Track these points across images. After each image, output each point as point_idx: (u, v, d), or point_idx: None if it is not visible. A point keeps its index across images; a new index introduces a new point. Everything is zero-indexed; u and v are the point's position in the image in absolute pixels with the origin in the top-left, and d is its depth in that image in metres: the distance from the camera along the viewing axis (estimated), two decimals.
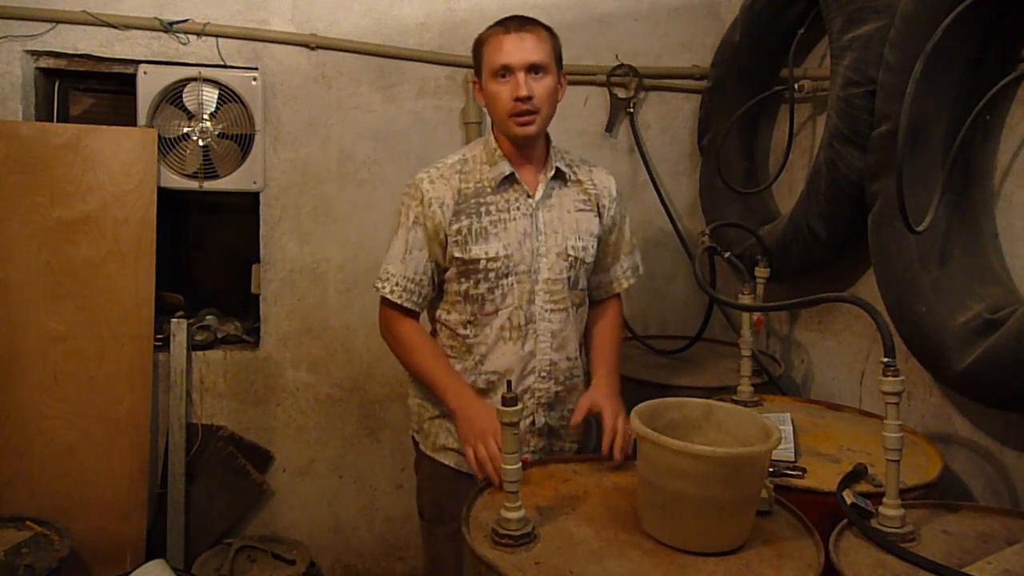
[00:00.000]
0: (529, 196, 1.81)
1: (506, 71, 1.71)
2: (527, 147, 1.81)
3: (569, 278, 1.83)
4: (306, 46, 2.75)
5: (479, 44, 1.78)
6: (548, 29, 1.78)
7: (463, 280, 1.79)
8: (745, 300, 2.26)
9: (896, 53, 1.87)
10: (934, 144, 1.79)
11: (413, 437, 1.98)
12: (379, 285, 1.82)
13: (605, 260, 1.95)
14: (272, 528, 2.90)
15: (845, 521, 1.43)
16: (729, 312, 2.73)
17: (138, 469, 2.63)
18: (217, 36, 2.68)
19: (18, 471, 2.54)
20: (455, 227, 1.76)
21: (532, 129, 1.74)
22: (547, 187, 1.82)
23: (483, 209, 1.77)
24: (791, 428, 1.88)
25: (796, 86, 2.46)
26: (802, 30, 2.45)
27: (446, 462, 1.87)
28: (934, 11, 1.70)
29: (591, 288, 1.96)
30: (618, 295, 2.01)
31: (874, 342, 2.26)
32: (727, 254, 2.34)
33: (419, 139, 2.86)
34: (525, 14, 1.83)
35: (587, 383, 1.90)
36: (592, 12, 2.89)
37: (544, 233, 1.80)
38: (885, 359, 1.33)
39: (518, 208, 1.79)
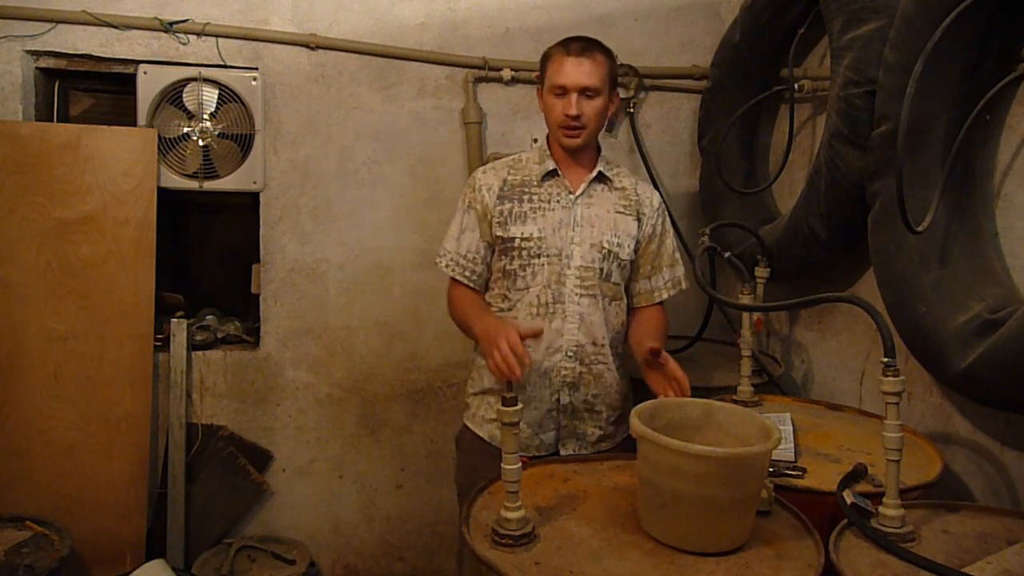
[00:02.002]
0: (571, 192, 1.96)
1: (563, 91, 1.88)
2: (576, 153, 1.97)
3: (602, 269, 1.94)
4: (306, 46, 2.75)
5: (545, 59, 1.94)
6: (606, 52, 1.93)
7: (502, 257, 1.97)
8: (745, 300, 2.26)
9: (896, 53, 1.87)
10: (934, 144, 1.79)
11: (466, 402, 2.11)
12: (438, 260, 2.03)
13: (645, 268, 2.04)
14: (272, 528, 2.90)
15: (845, 521, 1.43)
16: (729, 312, 2.73)
17: (138, 469, 2.63)
18: (217, 36, 2.68)
19: (18, 471, 2.54)
20: (499, 209, 1.95)
21: (578, 141, 1.92)
22: (589, 186, 1.97)
23: (526, 197, 1.96)
24: (791, 428, 1.89)
25: (796, 86, 2.46)
26: (802, 30, 2.46)
27: (481, 434, 2.00)
28: (934, 11, 1.70)
29: (632, 295, 2.05)
30: (660, 305, 2.07)
31: (874, 342, 2.26)
32: (727, 254, 2.34)
33: (419, 139, 2.86)
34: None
35: (614, 373, 1.98)
36: (592, 12, 2.89)
37: (581, 225, 1.95)
38: (885, 359, 1.33)
39: (558, 201, 1.96)
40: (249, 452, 2.82)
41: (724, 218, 2.63)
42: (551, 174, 1.97)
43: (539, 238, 1.92)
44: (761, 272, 2.39)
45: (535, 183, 1.97)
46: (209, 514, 2.78)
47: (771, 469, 1.60)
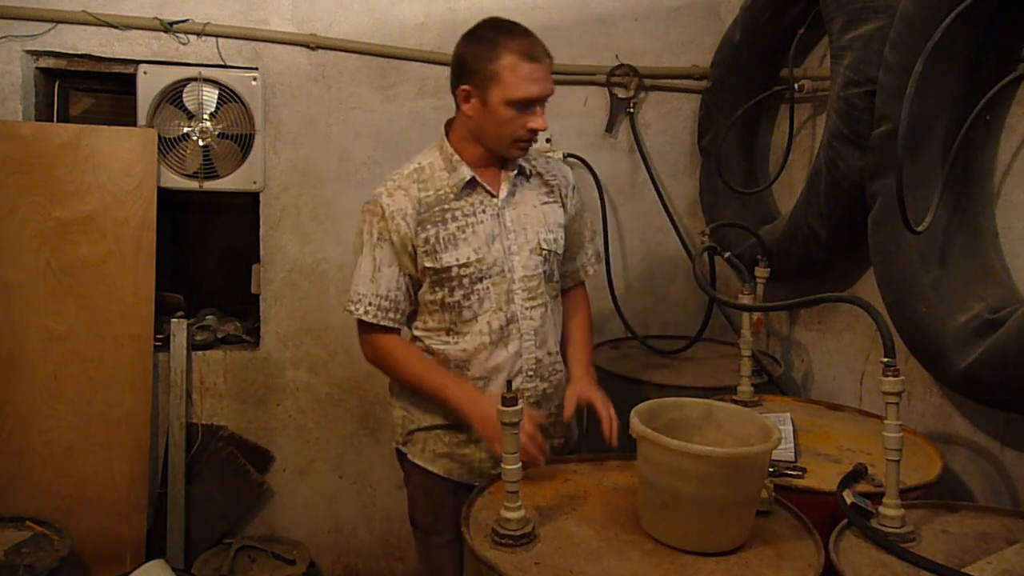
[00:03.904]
0: (493, 196, 1.78)
1: (528, 104, 1.67)
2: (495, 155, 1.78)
3: (544, 272, 1.80)
4: (306, 46, 2.75)
5: (488, 58, 1.65)
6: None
7: (437, 289, 1.75)
8: (745, 300, 2.26)
9: (896, 53, 1.87)
10: (934, 144, 1.79)
11: (398, 450, 1.93)
12: (351, 308, 1.76)
13: (570, 249, 1.93)
14: (272, 528, 2.90)
15: (845, 521, 1.43)
16: (729, 312, 2.73)
17: (138, 469, 2.63)
18: (217, 36, 2.68)
19: (18, 471, 2.54)
20: (422, 236, 1.72)
21: (527, 151, 1.77)
22: (511, 185, 1.79)
23: (448, 216, 1.73)
24: (791, 428, 1.89)
25: (796, 86, 2.46)
26: (802, 30, 2.46)
27: (437, 472, 1.84)
28: (934, 11, 1.70)
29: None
30: (583, 285, 2.01)
31: (874, 342, 2.26)
32: (727, 254, 2.34)
33: (419, 139, 2.85)
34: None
35: (564, 373, 1.89)
36: (592, 12, 2.89)
37: (513, 231, 1.77)
38: (885, 359, 1.33)
39: (483, 211, 1.76)
40: (249, 452, 2.82)
41: (724, 218, 2.63)
42: (469, 184, 1.75)
43: (478, 260, 1.72)
44: (761, 272, 2.39)
45: (452, 197, 1.74)
46: (209, 514, 2.78)
47: (771, 469, 1.60)
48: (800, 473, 1.67)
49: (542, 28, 2.85)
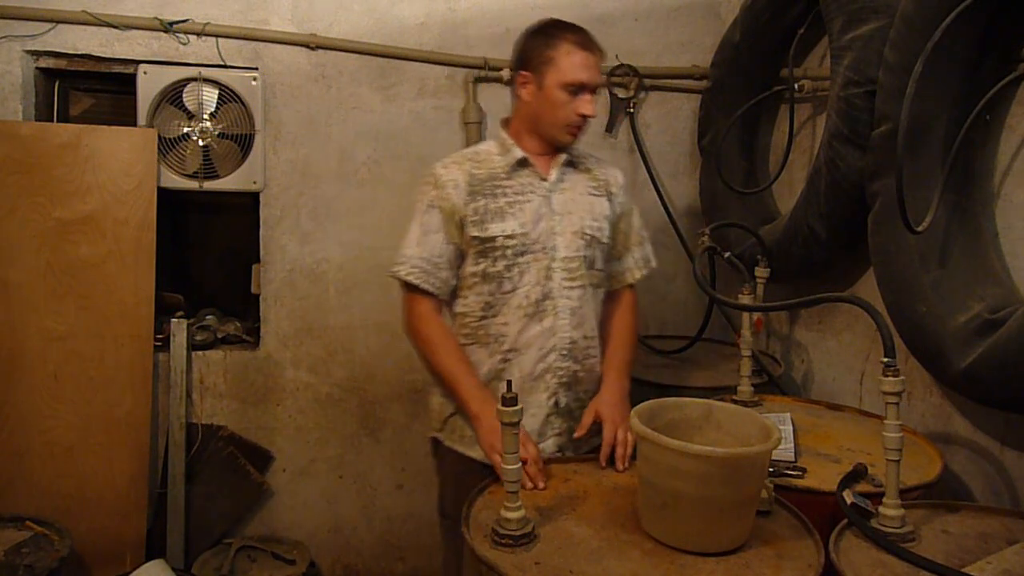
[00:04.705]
0: (543, 179, 1.86)
1: (579, 88, 1.78)
2: (549, 146, 1.87)
3: (586, 256, 1.86)
4: (306, 46, 2.75)
5: (547, 45, 1.79)
6: None
7: (480, 260, 1.82)
8: (745, 300, 2.26)
9: (896, 53, 1.87)
10: (934, 144, 1.79)
11: (434, 437, 1.95)
12: (395, 269, 1.84)
13: (617, 249, 1.97)
14: (272, 528, 2.90)
15: (845, 521, 1.43)
16: (729, 312, 2.73)
17: (138, 469, 2.63)
18: (217, 36, 2.68)
19: (18, 471, 2.54)
20: (471, 207, 1.81)
21: (578, 139, 1.87)
22: (560, 172, 1.88)
23: (499, 191, 1.82)
24: (791, 428, 1.89)
25: (796, 86, 2.46)
26: (802, 30, 2.46)
27: (473, 456, 1.84)
28: (934, 11, 1.70)
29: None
30: (632, 287, 2.02)
31: (874, 342, 2.26)
32: (727, 254, 2.34)
33: (419, 139, 2.86)
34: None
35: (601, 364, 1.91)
36: (592, 12, 2.89)
37: (559, 214, 1.85)
38: (885, 359, 1.33)
39: (532, 191, 1.84)
40: (249, 452, 2.82)
41: (724, 218, 2.62)
42: (521, 163, 1.85)
43: (522, 234, 1.80)
44: (761, 272, 2.39)
45: (503, 175, 1.84)
46: (209, 514, 2.78)
47: (771, 469, 1.60)
48: (800, 473, 1.67)
49: None
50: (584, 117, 1.81)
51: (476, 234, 1.80)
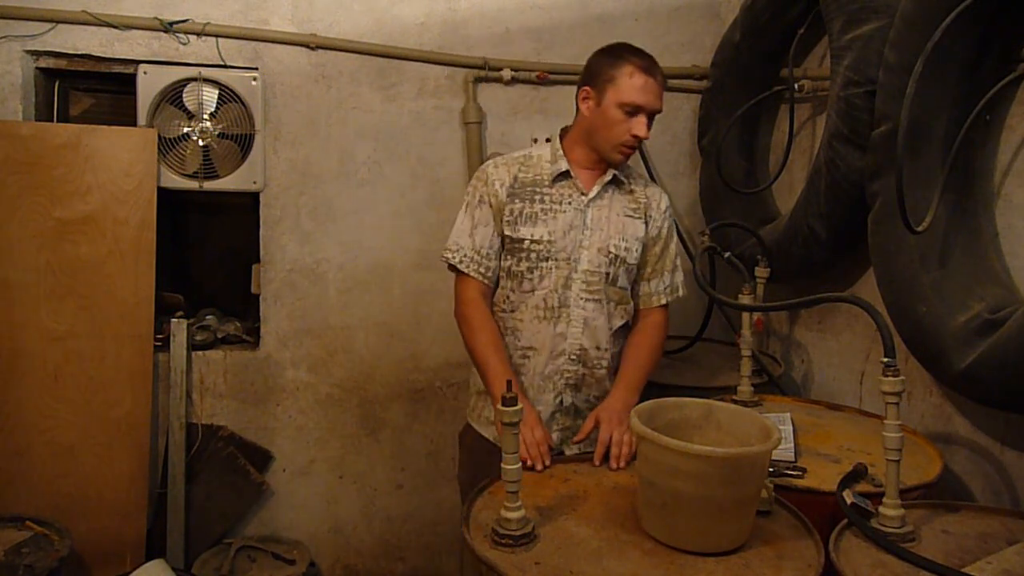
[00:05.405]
0: (583, 193, 1.93)
1: (636, 110, 1.83)
2: (600, 161, 1.93)
3: (608, 273, 1.92)
4: (306, 46, 2.75)
5: (607, 65, 1.85)
6: None
7: (508, 256, 1.94)
8: (745, 300, 2.26)
9: (896, 53, 1.87)
10: (934, 144, 1.79)
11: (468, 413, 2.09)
12: (449, 256, 1.95)
13: (646, 270, 2.01)
14: (272, 528, 2.90)
15: (845, 521, 1.43)
16: (729, 312, 2.73)
17: (138, 469, 2.63)
18: (217, 36, 2.68)
19: (18, 471, 2.54)
20: (509, 207, 1.91)
21: (628, 159, 1.93)
22: (602, 189, 1.94)
23: (537, 197, 1.92)
24: (791, 428, 1.89)
25: (796, 86, 2.46)
26: (802, 30, 2.46)
27: (485, 434, 1.99)
28: (934, 11, 1.70)
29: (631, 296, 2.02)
30: (664, 307, 2.03)
31: (874, 342, 2.26)
32: (727, 254, 2.34)
33: (419, 139, 2.86)
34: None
35: (613, 375, 1.96)
36: (592, 12, 2.89)
37: (590, 229, 1.92)
38: (885, 359, 1.33)
39: (570, 203, 1.92)
40: (249, 452, 2.82)
41: (724, 218, 2.62)
42: (564, 175, 1.93)
43: (549, 241, 1.89)
44: (761, 272, 2.39)
45: (546, 183, 1.93)
46: (209, 514, 2.78)
47: (771, 469, 1.60)
48: (800, 473, 1.67)
49: (542, 28, 2.90)
50: (637, 138, 1.85)
51: (508, 233, 1.92)
